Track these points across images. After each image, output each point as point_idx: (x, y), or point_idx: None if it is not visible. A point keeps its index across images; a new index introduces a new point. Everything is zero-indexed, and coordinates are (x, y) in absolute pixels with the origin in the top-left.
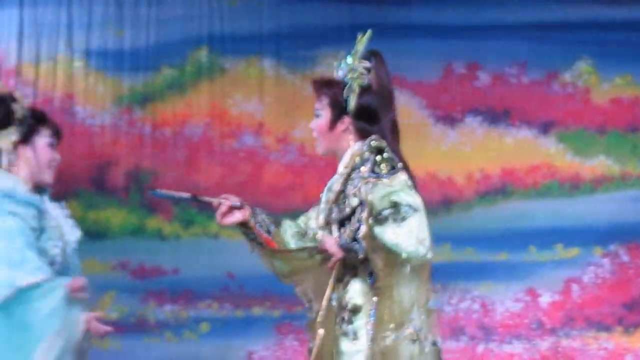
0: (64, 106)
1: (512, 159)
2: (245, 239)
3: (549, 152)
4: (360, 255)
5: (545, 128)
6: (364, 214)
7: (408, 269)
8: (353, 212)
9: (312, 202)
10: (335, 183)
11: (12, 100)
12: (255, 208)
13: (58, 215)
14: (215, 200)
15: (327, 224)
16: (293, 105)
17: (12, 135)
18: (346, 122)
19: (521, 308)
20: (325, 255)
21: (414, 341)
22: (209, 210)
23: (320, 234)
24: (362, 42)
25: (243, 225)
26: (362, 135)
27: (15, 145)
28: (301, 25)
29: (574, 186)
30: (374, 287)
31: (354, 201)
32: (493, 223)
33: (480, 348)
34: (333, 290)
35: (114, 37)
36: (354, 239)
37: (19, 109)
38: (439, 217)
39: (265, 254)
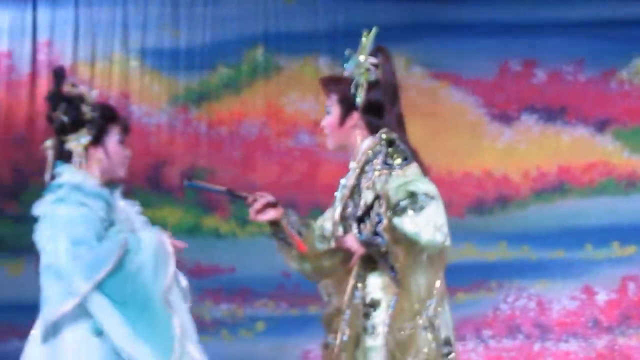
0: (120, 105)
1: (569, 157)
2: (274, 238)
3: (606, 150)
4: (383, 248)
5: (601, 126)
6: (383, 208)
7: (425, 257)
8: (371, 207)
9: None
10: (349, 178)
11: (81, 101)
12: (288, 209)
13: (129, 210)
14: (250, 196)
15: (343, 219)
16: None
17: (82, 138)
18: (355, 117)
19: (577, 306)
20: (346, 253)
21: (426, 328)
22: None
23: (337, 233)
24: (369, 38)
25: (274, 224)
26: (371, 129)
27: (87, 148)
28: (357, 24)
29: (631, 184)
30: (395, 280)
31: (369, 194)
32: (549, 221)
33: (537, 346)
34: (355, 287)
35: (170, 36)
36: (375, 233)
37: (88, 111)
38: (495, 215)
39: (293, 255)
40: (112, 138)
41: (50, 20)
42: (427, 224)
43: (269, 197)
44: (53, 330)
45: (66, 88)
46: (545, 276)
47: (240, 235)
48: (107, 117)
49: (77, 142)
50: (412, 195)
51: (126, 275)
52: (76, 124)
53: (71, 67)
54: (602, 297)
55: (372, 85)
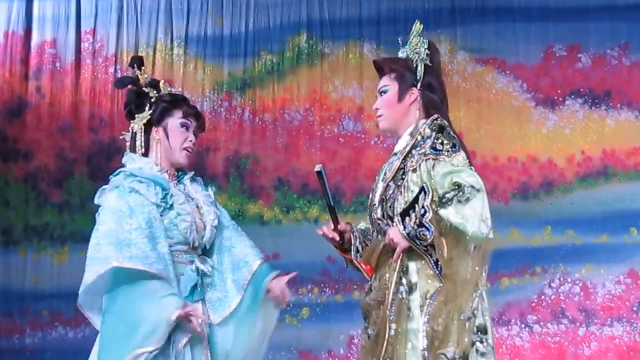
0: None
1: (613, 141)
2: (336, 248)
3: None
4: (429, 240)
5: None
6: (427, 201)
7: (471, 248)
8: (416, 200)
9: None
10: (394, 161)
11: (151, 86)
12: (357, 237)
13: (197, 195)
14: (342, 224)
15: (383, 201)
16: None
17: (145, 118)
18: (415, 92)
19: (622, 290)
20: (389, 247)
21: (469, 319)
22: (308, 195)
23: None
24: (418, 30)
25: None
26: (427, 108)
27: (148, 128)
28: (401, 10)
29: None
30: (438, 273)
31: (411, 178)
32: (594, 205)
33: (581, 331)
34: (400, 282)
35: (213, 23)
36: (421, 225)
37: (153, 94)
38: (540, 199)
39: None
40: (175, 120)
41: (93, 9)
42: (473, 216)
43: (346, 229)
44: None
45: (137, 73)
46: (590, 261)
47: (284, 221)
48: (172, 100)
49: (140, 122)
50: (458, 187)
51: (134, 293)
52: (140, 105)
53: (115, 55)
54: None
55: (427, 68)
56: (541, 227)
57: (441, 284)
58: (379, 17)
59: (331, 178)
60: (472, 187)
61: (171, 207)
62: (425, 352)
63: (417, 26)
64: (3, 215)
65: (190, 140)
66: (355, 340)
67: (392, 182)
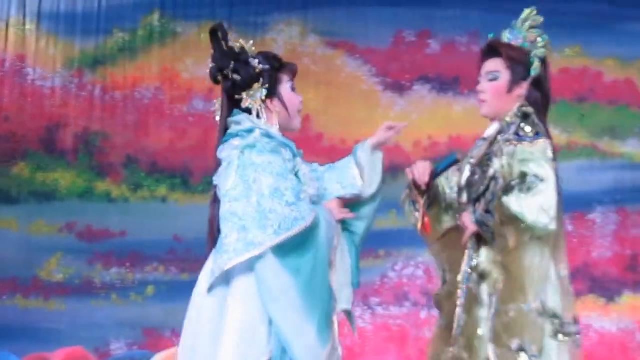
0: (15, 68)
1: (460, 127)
2: (408, 200)
3: None
4: (492, 225)
5: None
6: (497, 188)
7: (531, 238)
8: (487, 187)
9: None
10: (481, 147)
11: (247, 55)
12: (435, 193)
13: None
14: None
15: (469, 186)
16: None
17: (258, 93)
18: (524, 87)
19: None
20: (460, 231)
21: (540, 314)
22: (157, 174)
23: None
24: (534, 20)
25: (418, 190)
26: (531, 105)
27: (264, 102)
28: None
29: None
30: (503, 262)
31: (496, 163)
32: None
33: (423, 314)
34: (469, 272)
35: (67, 0)
36: (487, 211)
37: (256, 64)
38: (386, 184)
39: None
40: (285, 86)
41: None
42: (533, 206)
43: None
44: (223, 280)
45: (230, 44)
46: None
47: (132, 199)
48: (276, 66)
49: (253, 99)
50: (523, 176)
51: (308, 245)
52: (249, 80)
53: None
54: None
55: (542, 62)
56: (387, 211)
57: (504, 275)
58: None
59: (180, 157)
60: (536, 176)
61: (297, 173)
62: (492, 343)
63: (529, 14)
64: None
65: (301, 101)
66: None
67: (478, 167)
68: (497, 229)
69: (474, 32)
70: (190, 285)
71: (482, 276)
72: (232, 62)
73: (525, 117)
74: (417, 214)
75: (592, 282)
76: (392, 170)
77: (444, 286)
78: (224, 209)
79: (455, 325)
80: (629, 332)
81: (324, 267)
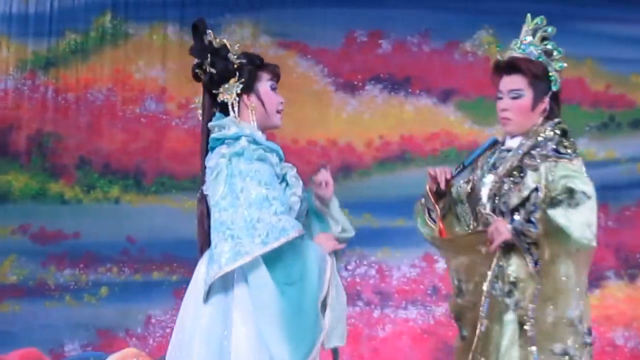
0: None
1: (412, 127)
2: (424, 204)
3: (448, 120)
4: (533, 237)
5: (445, 96)
6: (539, 200)
7: (572, 251)
8: (527, 199)
9: None
10: (510, 158)
11: (227, 51)
12: (450, 200)
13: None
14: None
15: (493, 197)
16: None
17: (234, 87)
18: (546, 102)
19: (417, 274)
20: (486, 236)
21: (571, 325)
22: (110, 175)
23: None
24: (541, 27)
25: (435, 196)
26: (548, 117)
27: (240, 96)
28: None
29: None
30: (539, 273)
31: (531, 177)
32: (391, 190)
33: (376, 313)
34: (495, 280)
35: (19, 1)
36: (529, 221)
37: (235, 59)
38: (338, 183)
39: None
40: (264, 84)
41: None
42: (580, 221)
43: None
44: (221, 289)
45: (209, 39)
46: (386, 244)
47: (85, 200)
48: (255, 63)
49: (229, 92)
50: (570, 192)
51: (298, 255)
52: (225, 74)
53: None
54: (441, 265)
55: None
56: None
57: (539, 284)
58: None
59: (133, 158)
60: (584, 193)
61: (283, 178)
62: (532, 348)
63: (537, 24)
64: None
65: (282, 102)
66: (153, 320)
67: (507, 178)
68: (539, 239)
69: (425, 31)
70: (144, 286)
71: (514, 284)
72: (210, 56)
73: (563, 133)
74: (432, 222)
75: None
76: (344, 169)
77: (463, 297)
78: (214, 218)
79: (479, 334)
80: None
81: (312, 295)
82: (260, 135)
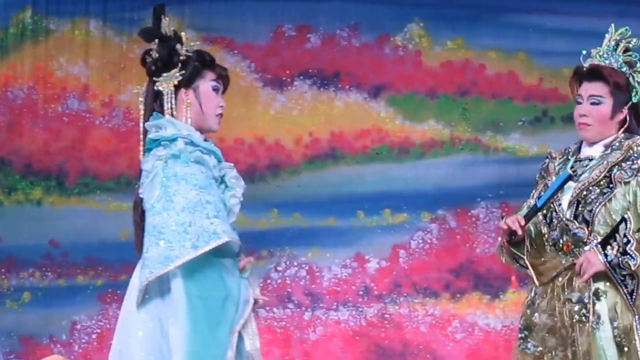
0: None
1: (342, 123)
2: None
3: (379, 116)
4: (634, 268)
5: (375, 92)
6: (630, 230)
7: None
8: (616, 230)
9: (137, 166)
10: (597, 167)
11: (178, 41)
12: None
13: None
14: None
15: (577, 203)
16: (119, 68)
17: (173, 78)
18: (624, 112)
19: (349, 274)
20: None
21: None
22: (31, 176)
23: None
24: (625, 37)
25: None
26: (628, 129)
27: (177, 88)
28: None
29: (404, 150)
30: (635, 305)
31: (621, 190)
32: (321, 188)
33: (307, 315)
34: (585, 311)
35: None
36: (625, 253)
37: (182, 51)
38: (267, 182)
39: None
40: (207, 83)
41: None
42: None
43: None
44: (157, 295)
45: (164, 26)
46: (316, 244)
47: (6, 203)
48: (203, 60)
49: (167, 82)
50: None
51: (219, 271)
52: (168, 63)
53: None
54: (373, 265)
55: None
56: (267, 210)
57: (636, 316)
58: None
59: (55, 159)
60: None
61: (222, 180)
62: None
63: (619, 33)
64: None
65: (222, 106)
66: (78, 326)
67: (593, 187)
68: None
69: (354, 25)
70: (68, 290)
71: (597, 295)
72: (159, 42)
73: None
74: (524, 269)
75: (476, 278)
76: (273, 168)
77: (539, 312)
78: (148, 222)
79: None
80: (514, 329)
81: (225, 319)
82: (198, 136)
